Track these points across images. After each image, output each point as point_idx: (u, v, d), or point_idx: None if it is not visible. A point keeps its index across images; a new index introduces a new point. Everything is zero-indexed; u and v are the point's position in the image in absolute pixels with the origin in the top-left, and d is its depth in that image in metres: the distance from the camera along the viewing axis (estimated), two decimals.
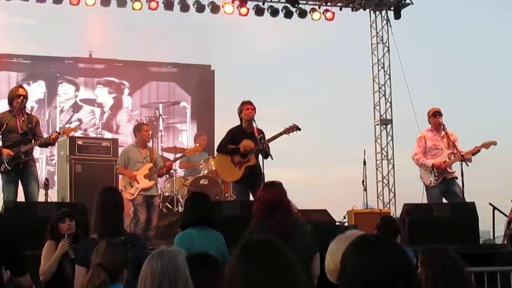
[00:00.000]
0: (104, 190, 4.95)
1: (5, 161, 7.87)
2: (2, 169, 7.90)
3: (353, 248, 2.02)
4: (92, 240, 4.61)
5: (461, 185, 8.86)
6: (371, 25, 13.53)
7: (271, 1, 12.84)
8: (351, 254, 2.01)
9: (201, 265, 3.31)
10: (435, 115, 9.24)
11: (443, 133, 9.20)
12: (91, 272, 3.63)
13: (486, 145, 9.02)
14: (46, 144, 8.23)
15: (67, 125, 13.46)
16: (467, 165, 8.93)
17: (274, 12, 12.82)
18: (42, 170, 12.46)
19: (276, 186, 4.94)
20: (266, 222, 4.75)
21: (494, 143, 9.01)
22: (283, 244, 2.15)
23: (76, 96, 14.14)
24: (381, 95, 13.28)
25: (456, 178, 9.02)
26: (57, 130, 8.83)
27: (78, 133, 10.34)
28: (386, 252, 1.97)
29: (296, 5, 12.69)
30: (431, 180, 9.09)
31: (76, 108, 14.10)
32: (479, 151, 9.02)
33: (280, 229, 4.64)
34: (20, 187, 8.05)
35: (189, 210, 5.32)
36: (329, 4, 13.05)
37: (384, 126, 13.24)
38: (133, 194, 8.92)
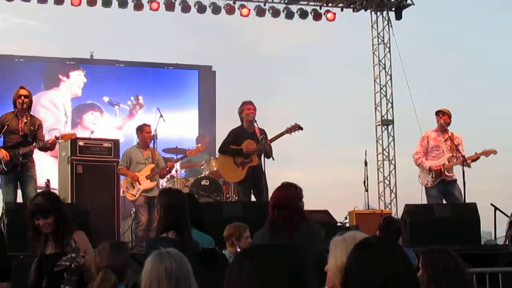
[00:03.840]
0: (162, 191, 4.98)
1: (2, 162, 7.88)
2: (0, 169, 7.91)
3: (356, 251, 2.02)
4: (166, 239, 4.36)
5: (462, 187, 8.86)
6: (372, 26, 13.52)
7: (272, 2, 12.86)
8: (354, 257, 2.00)
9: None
10: (437, 114, 9.25)
11: (447, 135, 9.18)
12: (102, 275, 3.60)
13: (486, 153, 9.04)
14: (45, 148, 8.24)
15: (68, 127, 13.50)
16: (470, 166, 8.94)
17: (275, 13, 12.83)
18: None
19: (290, 187, 4.96)
20: (277, 222, 4.80)
21: (494, 152, 9.03)
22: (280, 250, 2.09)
23: (77, 97, 14.14)
24: (382, 95, 13.27)
25: (456, 180, 9.02)
26: (57, 134, 8.78)
27: (78, 134, 10.28)
28: (387, 255, 1.96)
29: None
30: (428, 181, 9.11)
31: (77, 109, 14.11)
32: (478, 158, 9.05)
33: (281, 230, 4.67)
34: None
35: None
36: (330, 4, 13.04)
37: (386, 126, 13.24)
38: (135, 195, 8.94)
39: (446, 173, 9.06)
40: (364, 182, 10.43)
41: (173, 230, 4.42)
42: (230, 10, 12.53)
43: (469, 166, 8.99)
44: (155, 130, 9.62)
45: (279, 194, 4.93)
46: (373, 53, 13.45)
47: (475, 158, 9.04)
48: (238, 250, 5.50)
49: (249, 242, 5.94)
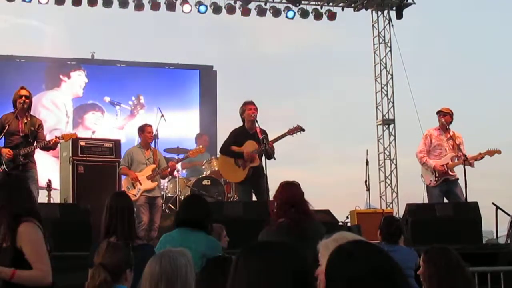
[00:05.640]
0: (114, 194, 4.94)
1: (3, 162, 7.87)
2: (1, 170, 7.91)
3: (333, 257, 1.99)
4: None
5: (463, 186, 8.85)
6: (373, 25, 13.52)
7: (273, 2, 12.86)
8: (332, 263, 1.98)
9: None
10: (438, 114, 9.23)
11: (449, 135, 9.17)
12: (92, 271, 3.63)
13: (490, 153, 9.02)
14: (47, 147, 8.24)
15: (69, 127, 13.51)
16: (473, 166, 8.93)
17: (276, 13, 12.83)
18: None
19: (294, 186, 4.93)
20: (284, 221, 4.74)
21: (499, 152, 9.01)
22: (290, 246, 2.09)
23: (78, 97, 14.16)
24: (383, 95, 13.28)
25: (458, 179, 9.02)
26: (58, 134, 8.76)
27: (80, 134, 10.31)
28: (364, 260, 1.93)
29: (297, 4, 12.69)
30: (431, 180, 9.09)
31: (78, 109, 14.12)
32: (482, 157, 9.03)
33: (295, 228, 4.62)
34: None
35: (177, 212, 5.35)
36: (331, 4, 13.05)
37: (387, 126, 13.25)
38: (135, 195, 8.93)
39: (450, 172, 9.05)
40: (366, 181, 10.43)
41: (114, 235, 4.48)
42: (230, 10, 12.53)
43: (472, 166, 8.98)
44: (156, 130, 9.62)
45: (285, 193, 4.86)
46: (374, 52, 13.46)
47: (479, 158, 9.02)
48: None
49: (227, 240, 5.99)
